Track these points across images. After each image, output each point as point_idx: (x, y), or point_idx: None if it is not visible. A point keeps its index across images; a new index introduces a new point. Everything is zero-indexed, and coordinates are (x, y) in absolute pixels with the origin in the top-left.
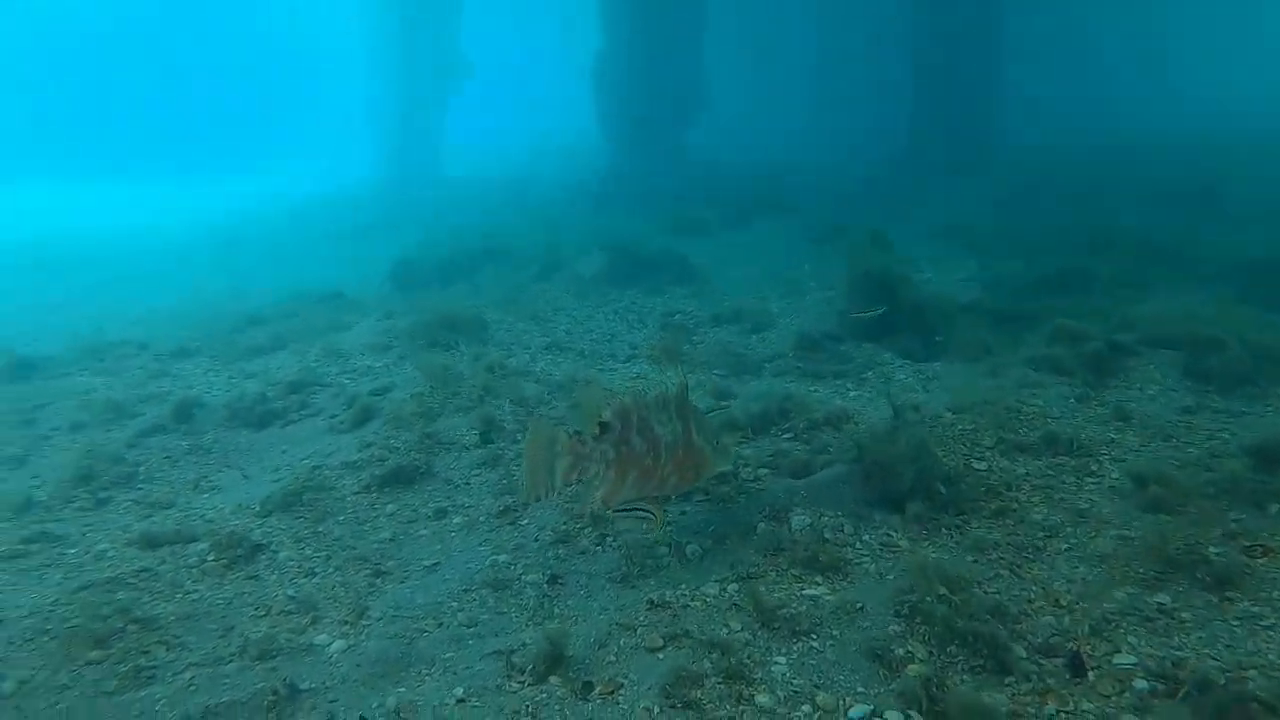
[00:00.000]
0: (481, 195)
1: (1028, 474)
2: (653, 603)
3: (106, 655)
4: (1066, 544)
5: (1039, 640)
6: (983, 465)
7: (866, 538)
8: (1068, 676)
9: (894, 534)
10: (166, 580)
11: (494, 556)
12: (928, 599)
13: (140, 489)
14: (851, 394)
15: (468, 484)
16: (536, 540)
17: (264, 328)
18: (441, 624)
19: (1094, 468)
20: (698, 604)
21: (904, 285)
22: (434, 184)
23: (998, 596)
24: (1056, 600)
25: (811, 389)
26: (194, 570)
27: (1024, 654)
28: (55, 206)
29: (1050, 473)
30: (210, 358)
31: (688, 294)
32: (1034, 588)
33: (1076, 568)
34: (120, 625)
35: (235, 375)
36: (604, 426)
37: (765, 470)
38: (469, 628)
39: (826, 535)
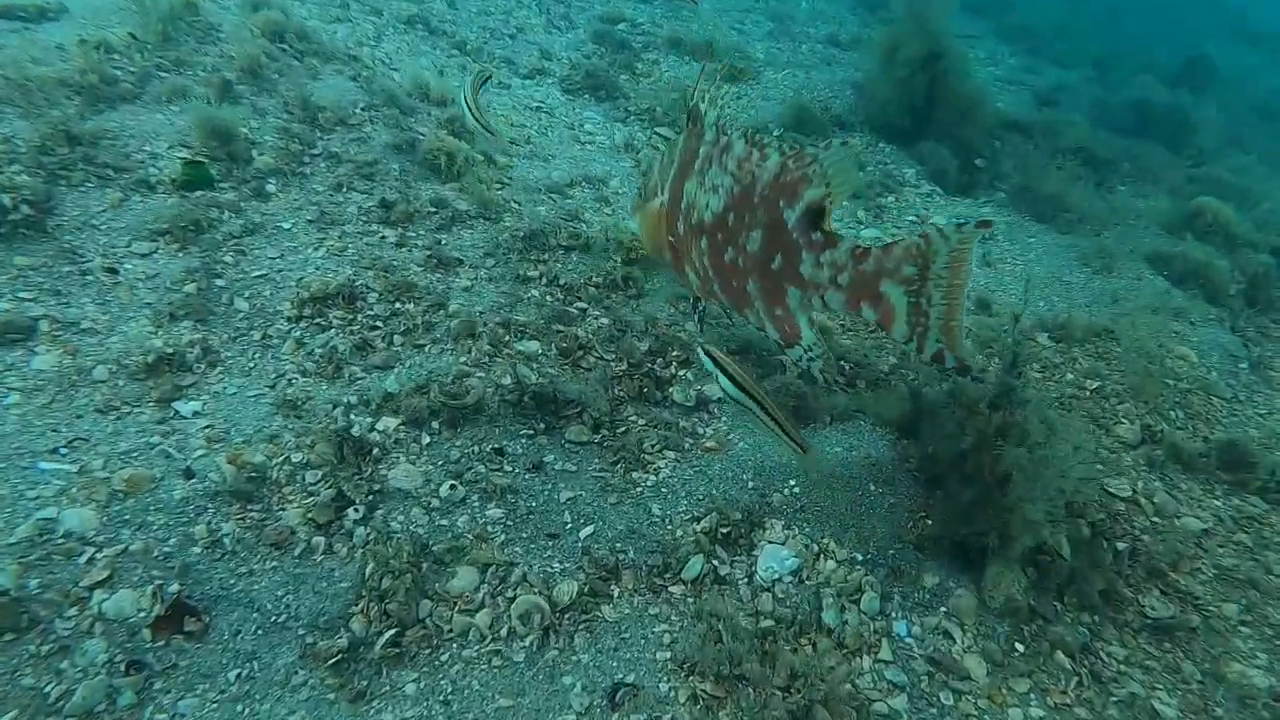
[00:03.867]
0: None
1: (1206, 532)
2: None
3: None
4: None
5: None
6: (1125, 490)
7: (903, 633)
8: None
9: (956, 634)
10: None
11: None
12: None
13: None
14: (864, 230)
15: (111, 290)
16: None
17: None
18: None
19: None
20: None
21: (956, 75)
22: None
23: None
24: None
25: None
26: None
27: None
28: None
29: (1244, 531)
30: None
31: None
32: None
33: None
34: None
35: None
36: None
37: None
38: None
39: (826, 617)
